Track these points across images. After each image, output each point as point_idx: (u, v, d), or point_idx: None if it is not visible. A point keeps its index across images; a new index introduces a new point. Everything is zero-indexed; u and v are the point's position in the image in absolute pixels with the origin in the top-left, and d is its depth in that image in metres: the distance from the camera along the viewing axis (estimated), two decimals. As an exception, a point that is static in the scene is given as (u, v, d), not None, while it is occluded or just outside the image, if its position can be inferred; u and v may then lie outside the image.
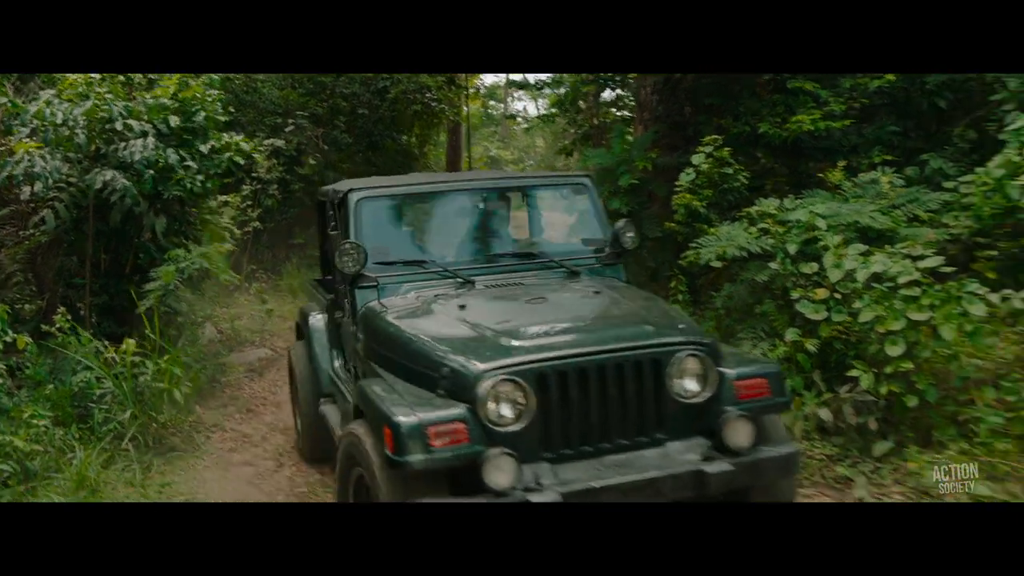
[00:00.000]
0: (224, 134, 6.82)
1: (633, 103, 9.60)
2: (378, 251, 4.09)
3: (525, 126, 15.95)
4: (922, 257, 4.74)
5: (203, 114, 6.38)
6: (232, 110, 8.58)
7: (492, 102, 26.33)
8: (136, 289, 6.16)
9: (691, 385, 3.33)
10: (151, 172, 6.00)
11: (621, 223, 4.49)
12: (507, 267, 4.30)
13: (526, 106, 35.30)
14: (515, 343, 3.25)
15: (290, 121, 11.26)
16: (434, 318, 3.70)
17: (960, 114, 7.10)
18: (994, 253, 5.27)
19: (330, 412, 4.80)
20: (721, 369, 3.37)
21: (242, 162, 6.79)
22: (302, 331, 5.49)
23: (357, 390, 3.56)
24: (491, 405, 3.05)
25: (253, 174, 10.17)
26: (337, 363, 4.93)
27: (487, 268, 4.25)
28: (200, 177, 6.29)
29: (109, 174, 5.78)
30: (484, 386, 3.04)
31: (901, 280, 4.60)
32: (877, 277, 4.74)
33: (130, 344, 5.54)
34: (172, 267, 6.00)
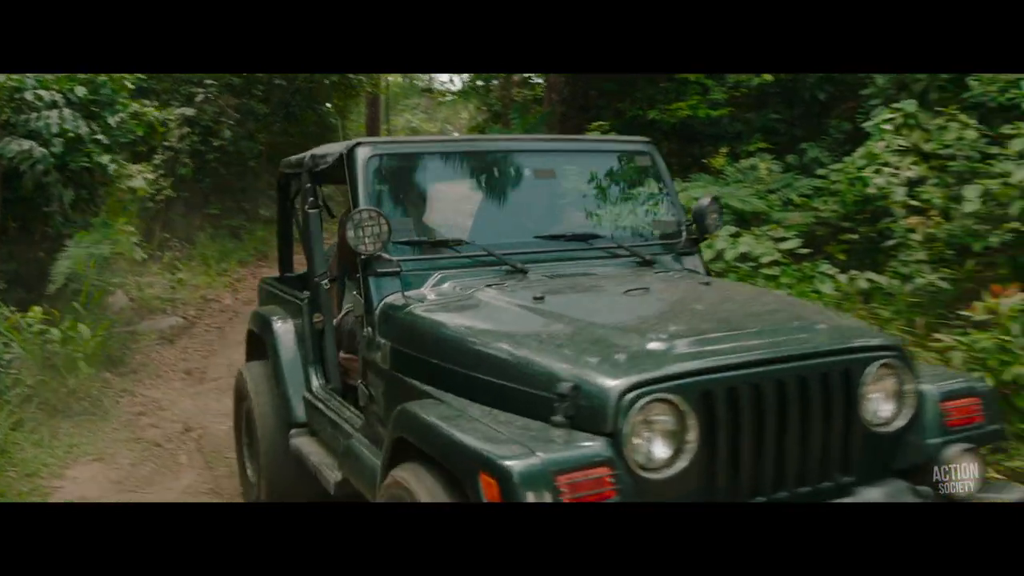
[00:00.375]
0: (133, 103, 6.92)
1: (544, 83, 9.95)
2: (398, 227, 3.12)
3: (442, 100, 16.12)
4: (784, 239, 5.23)
5: (108, 85, 6.47)
6: (143, 76, 8.61)
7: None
8: (46, 257, 6.27)
9: (885, 407, 2.45)
10: (60, 140, 6.10)
11: (706, 201, 3.66)
12: (562, 252, 3.40)
13: (452, 77, 35.26)
14: (656, 346, 2.30)
15: (200, 90, 11.25)
16: (504, 313, 2.79)
17: (839, 106, 7.66)
18: (855, 237, 5.81)
19: (307, 446, 3.72)
20: (921, 385, 2.51)
21: (141, 133, 6.85)
22: (261, 344, 4.24)
23: (401, 417, 2.52)
24: (639, 440, 2.11)
25: (165, 143, 10.20)
26: (317, 382, 3.83)
27: (538, 253, 3.35)
28: (111, 154, 6.40)
29: (26, 144, 5.86)
30: (633, 410, 2.10)
31: (764, 260, 5.08)
32: (744, 257, 5.21)
33: (36, 311, 5.69)
34: (82, 251, 6.12)
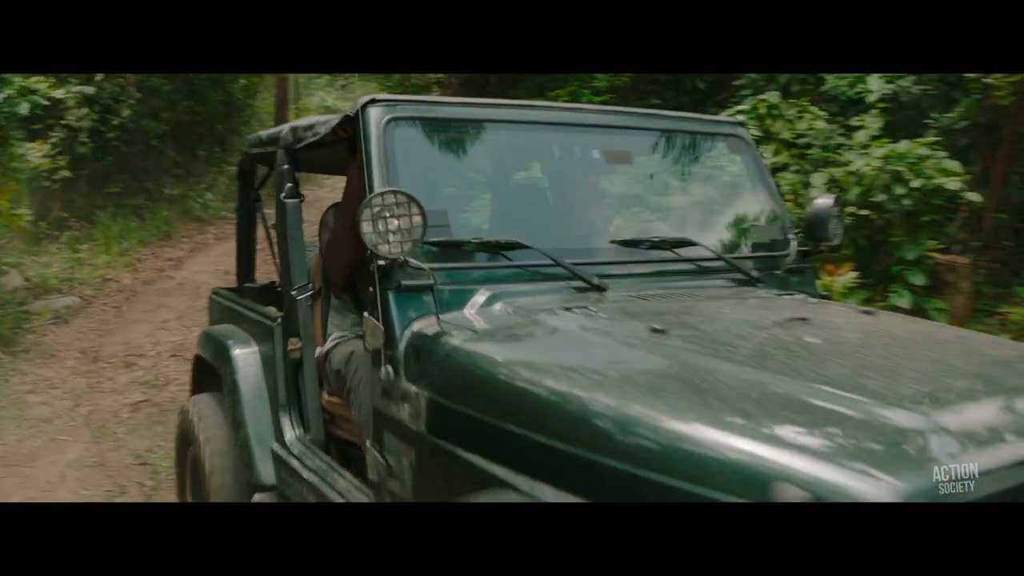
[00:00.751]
0: (17, 77, 6.86)
1: (446, 67, 10.16)
2: (431, 221, 2.16)
3: (347, 82, 16.04)
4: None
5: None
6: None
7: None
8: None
9: None
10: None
11: (827, 202, 2.81)
12: (647, 264, 2.57)
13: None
14: (924, 421, 1.44)
15: (100, 68, 11.09)
16: (616, 353, 1.91)
17: (718, 95, 8.09)
18: (722, 219, 6.22)
19: None
20: None
21: (27, 113, 6.81)
22: (213, 373, 3.39)
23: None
24: None
25: (63, 121, 10.08)
26: (293, 433, 2.93)
27: (615, 265, 2.52)
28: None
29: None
30: None
31: (632, 241, 5.43)
32: (614, 238, 5.55)
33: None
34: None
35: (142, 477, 4.56)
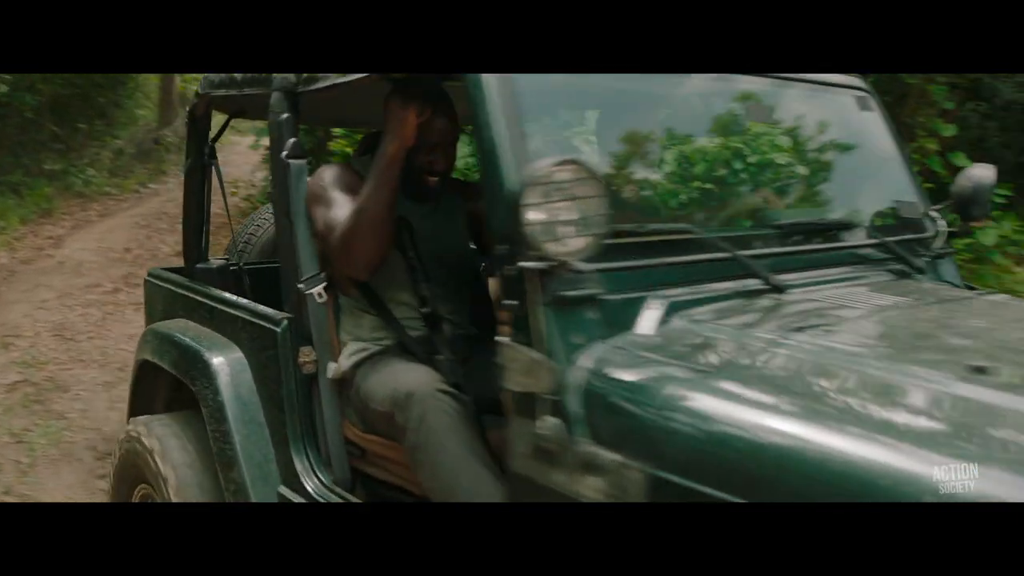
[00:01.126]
0: None
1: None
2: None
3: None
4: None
5: None
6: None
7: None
8: None
9: None
10: None
11: (985, 174, 2.36)
12: (808, 253, 2.17)
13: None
14: None
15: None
16: (973, 413, 1.30)
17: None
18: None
19: None
20: None
21: None
22: (163, 387, 2.88)
23: None
24: None
25: (-71, 97, 9.75)
26: (313, 480, 2.24)
27: (777, 253, 2.09)
28: None
29: None
30: None
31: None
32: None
33: None
34: None
35: (18, 455, 4.65)
